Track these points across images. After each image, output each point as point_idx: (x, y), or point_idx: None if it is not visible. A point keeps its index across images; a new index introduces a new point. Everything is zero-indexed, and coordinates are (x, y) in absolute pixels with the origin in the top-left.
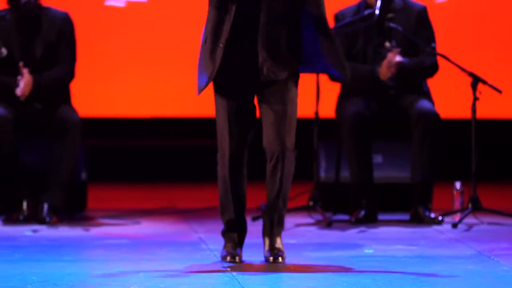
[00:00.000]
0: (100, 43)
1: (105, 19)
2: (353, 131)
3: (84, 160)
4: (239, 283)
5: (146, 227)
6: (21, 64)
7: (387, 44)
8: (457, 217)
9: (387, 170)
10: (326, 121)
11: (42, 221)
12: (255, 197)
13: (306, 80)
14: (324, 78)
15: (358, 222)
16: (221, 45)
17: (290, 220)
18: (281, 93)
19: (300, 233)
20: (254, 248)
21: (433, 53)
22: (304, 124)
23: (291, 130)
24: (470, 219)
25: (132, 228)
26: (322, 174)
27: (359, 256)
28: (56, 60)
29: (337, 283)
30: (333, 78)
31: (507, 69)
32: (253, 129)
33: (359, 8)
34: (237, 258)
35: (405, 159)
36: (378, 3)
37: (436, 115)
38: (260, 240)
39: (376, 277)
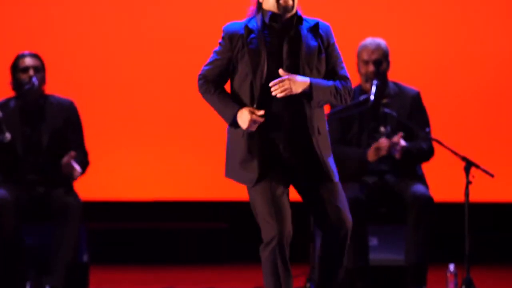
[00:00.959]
0: (98, 128)
1: (104, 104)
2: None
3: (86, 242)
4: None
5: None
6: (72, 153)
7: (382, 129)
8: None
9: (382, 253)
10: None
11: None
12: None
13: None
14: None
15: None
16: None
17: None
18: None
19: None
20: None
21: (428, 138)
22: (301, 207)
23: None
24: None
25: None
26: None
27: None
28: (62, 148)
29: None
30: None
31: (500, 152)
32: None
33: (354, 94)
34: None
35: (400, 242)
36: (373, 89)
37: (430, 199)
38: None
39: None
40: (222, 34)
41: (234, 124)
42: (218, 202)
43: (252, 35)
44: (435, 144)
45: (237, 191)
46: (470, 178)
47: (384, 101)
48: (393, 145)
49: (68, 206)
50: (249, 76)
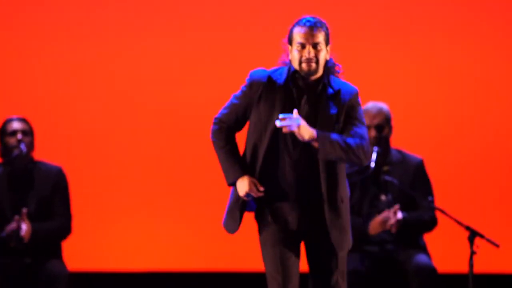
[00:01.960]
0: (87, 196)
1: (96, 176)
2: None
3: None
4: None
5: None
6: (16, 217)
7: (383, 197)
8: None
9: None
10: None
11: None
12: None
13: None
14: None
15: None
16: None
17: None
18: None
19: None
20: None
21: (431, 207)
22: (301, 277)
23: None
24: None
25: None
26: None
27: None
28: (50, 215)
29: None
30: None
31: (505, 222)
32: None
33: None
34: None
35: None
36: (374, 156)
37: (433, 270)
38: None
39: None
40: (246, 78)
41: (233, 184)
42: (217, 273)
43: (273, 87)
44: (438, 213)
45: (238, 262)
46: (475, 248)
47: (385, 168)
48: (384, 219)
49: (56, 277)
50: (258, 126)
